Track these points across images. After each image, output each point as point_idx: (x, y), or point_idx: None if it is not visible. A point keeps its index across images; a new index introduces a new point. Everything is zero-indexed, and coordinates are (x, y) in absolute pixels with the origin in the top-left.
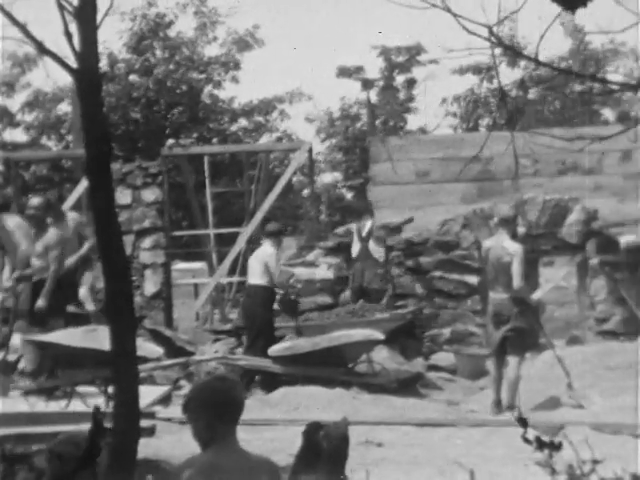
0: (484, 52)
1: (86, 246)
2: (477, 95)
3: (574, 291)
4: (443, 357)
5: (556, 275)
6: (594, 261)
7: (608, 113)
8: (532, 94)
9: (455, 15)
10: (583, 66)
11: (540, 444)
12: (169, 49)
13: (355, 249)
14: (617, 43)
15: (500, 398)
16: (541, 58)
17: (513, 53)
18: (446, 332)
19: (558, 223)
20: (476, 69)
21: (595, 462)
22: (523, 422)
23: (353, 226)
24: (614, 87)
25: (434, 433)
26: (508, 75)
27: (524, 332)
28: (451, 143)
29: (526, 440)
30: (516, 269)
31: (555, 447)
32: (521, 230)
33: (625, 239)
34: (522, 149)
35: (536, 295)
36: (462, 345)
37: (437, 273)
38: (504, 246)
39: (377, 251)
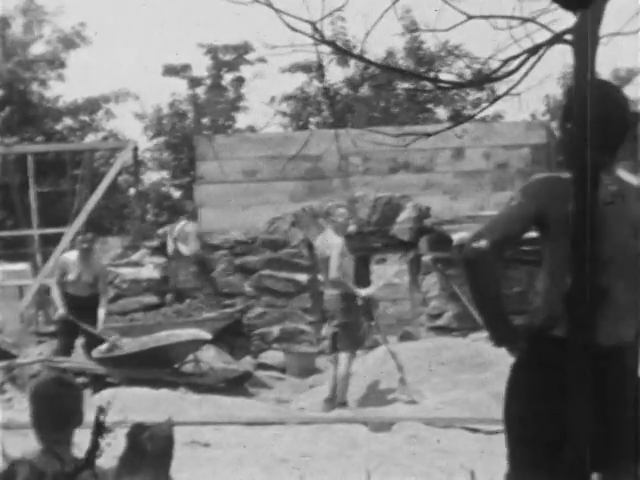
0: (308, 49)
1: None
2: (307, 93)
3: (406, 288)
4: (272, 355)
5: (388, 272)
6: (426, 258)
7: (441, 112)
8: (364, 93)
9: (277, 11)
10: (418, 65)
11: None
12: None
13: (169, 249)
14: (450, 44)
15: (334, 395)
16: (375, 56)
17: (338, 50)
18: (275, 330)
19: (390, 220)
20: (306, 67)
21: None
22: None
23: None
24: (443, 85)
25: (262, 432)
26: (339, 74)
27: (350, 328)
28: (280, 142)
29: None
30: (332, 261)
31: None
32: (352, 228)
33: (457, 236)
34: (353, 147)
35: (366, 291)
36: (292, 343)
37: (266, 271)
38: (327, 241)
39: (188, 250)
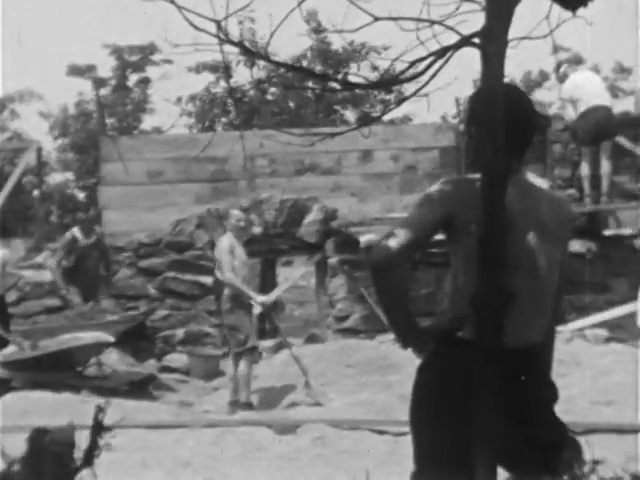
0: (213, 49)
1: None
2: (213, 94)
3: (313, 290)
4: (176, 358)
5: (294, 274)
6: (333, 260)
7: (350, 114)
8: (272, 94)
9: (180, 8)
10: (327, 66)
11: None
12: None
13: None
14: (357, 44)
15: (237, 398)
16: (284, 57)
17: (245, 51)
18: (179, 333)
19: (296, 223)
20: (213, 67)
21: (596, 463)
22: None
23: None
24: (350, 86)
25: (166, 435)
26: (248, 74)
27: (234, 329)
28: (185, 143)
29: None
30: (222, 262)
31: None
32: (257, 230)
33: (365, 238)
34: (259, 149)
35: (263, 298)
36: (196, 346)
37: (170, 274)
38: (218, 243)
39: None
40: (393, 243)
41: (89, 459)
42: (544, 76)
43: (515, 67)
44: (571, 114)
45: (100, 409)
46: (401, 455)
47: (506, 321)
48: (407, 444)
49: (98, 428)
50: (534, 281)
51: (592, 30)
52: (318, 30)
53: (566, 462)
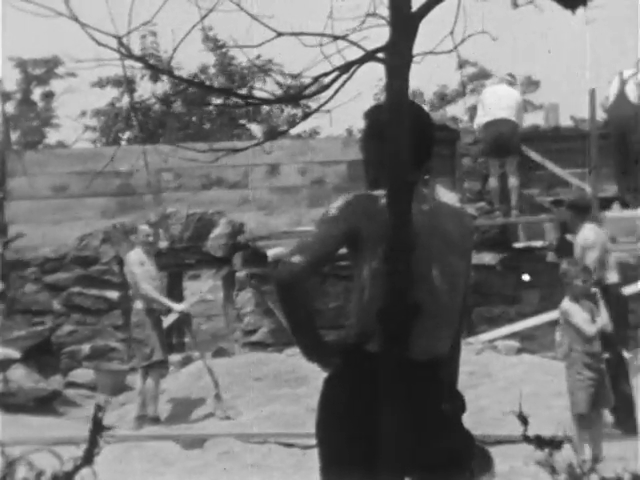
0: (114, 64)
1: None
2: (117, 109)
3: (221, 304)
4: (82, 373)
5: (202, 288)
6: (241, 274)
7: (256, 128)
8: (176, 108)
9: (83, 25)
10: (230, 81)
11: (540, 443)
12: None
13: None
14: (264, 59)
15: (144, 412)
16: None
17: (147, 66)
18: (85, 348)
19: (203, 237)
20: (116, 82)
21: (595, 461)
22: (523, 420)
23: None
24: (254, 101)
25: (71, 451)
26: (154, 88)
27: (142, 342)
28: (90, 157)
29: (526, 438)
30: (136, 274)
31: (555, 446)
32: (164, 244)
33: (273, 252)
34: (164, 163)
35: (181, 306)
36: (102, 361)
37: (76, 289)
38: (127, 258)
39: None
40: (297, 259)
41: (89, 458)
42: (455, 91)
43: (428, 82)
44: (478, 120)
45: (99, 407)
46: (309, 468)
47: (412, 334)
48: (315, 457)
49: (98, 426)
50: (439, 294)
51: (499, 44)
52: (219, 45)
53: (475, 473)
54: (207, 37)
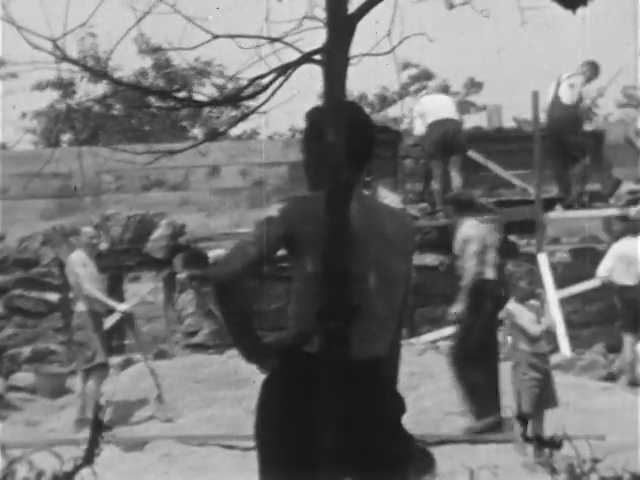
0: (51, 67)
1: None
2: (57, 111)
3: (161, 306)
4: (23, 377)
5: (142, 290)
6: (181, 275)
7: (196, 131)
8: (116, 110)
9: (19, 27)
10: (169, 83)
11: (540, 443)
12: None
13: None
14: (202, 61)
15: (85, 415)
16: (128, 72)
17: (84, 68)
18: (26, 351)
19: (143, 238)
20: (56, 84)
21: (595, 461)
22: (523, 420)
23: None
24: (191, 104)
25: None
26: (91, 91)
27: (83, 345)
28: (30, 159)
29: (527, 439)
30: (79, 275)
31: (555, 446)
32: (104, 246)
33: (213, 253)
34: (105, 165)
35: (123, 306)
36: (42, 364)
37: (16, 291)
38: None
39: None
40: (235, 260)
41: (89, 457)
42: (397, 93)
43: (368, 84)
44: (419, 128)
45: (99, 407)
46: (251, 470)
47: (351, 334)
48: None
49: (98, 426)
50: (379, 294)
51: (442, 45)
52: (155, 48)
53: (417, 474)
54: (142, 40)
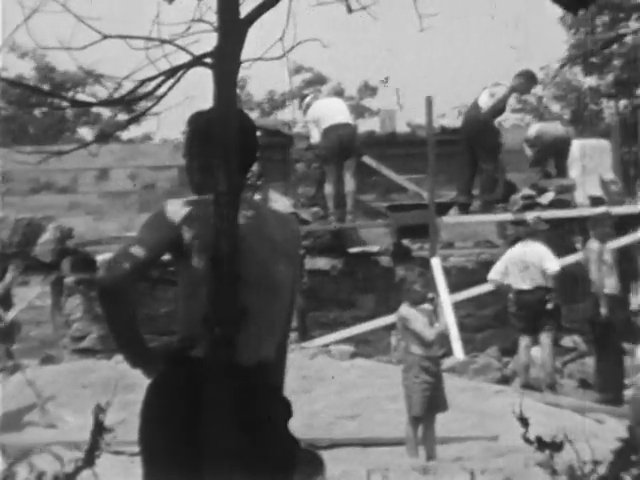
0: None
1: None
2: None
3: (49, 310)
4: None
5: (30, 294)
6: (69, 280)
7: (86, 133)
8: (4, 111)
9: None
10: (54, 84)
11: (540, 444)
12: None
13: None
14: (91, 62)
15: None
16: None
17: None
18: None
19: (31, 242)
20: None
21: (596, 463)
22: (524, 422)
23: None
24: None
25: None
26: None
27: None
28: None
29: (527, 440)
30: None
31: (556, 447)
32: None
33: (102, 257)
34: None
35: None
36: None
37: None
38: None
39: None
40: (119, 265)
41: (90, 459)
42: (289, 96)
43: (258, 87)
44: (316, 135)
45: (100, 409)
46: (137, 475)
47: (238, 339)
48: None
49: (99, 428)
50: (266, 298)
51: (336, 50)
52: (41, 47)
53: (303, 478)
54: (13, 43)
